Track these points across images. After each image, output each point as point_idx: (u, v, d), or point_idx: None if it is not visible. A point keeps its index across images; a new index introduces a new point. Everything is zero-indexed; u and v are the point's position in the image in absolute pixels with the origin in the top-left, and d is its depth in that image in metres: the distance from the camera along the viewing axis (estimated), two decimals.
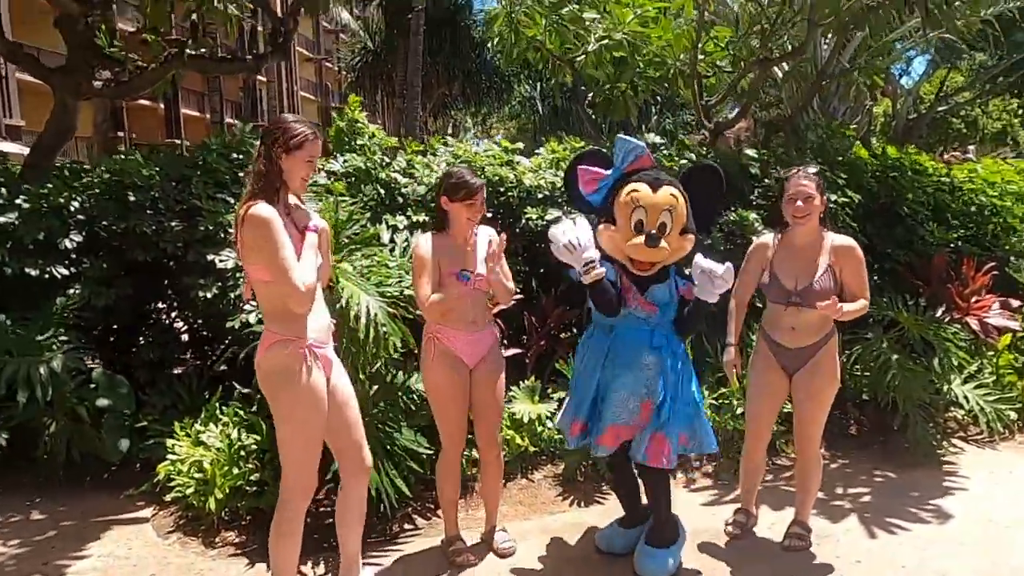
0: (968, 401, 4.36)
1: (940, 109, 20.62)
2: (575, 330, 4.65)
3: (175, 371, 4.59)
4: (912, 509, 3.58)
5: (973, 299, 4.75)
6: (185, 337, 4.71)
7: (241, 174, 4.46)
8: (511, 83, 23.02)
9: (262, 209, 2.39)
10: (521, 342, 4.50)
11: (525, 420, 3.99)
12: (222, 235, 4.09)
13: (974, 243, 5.43)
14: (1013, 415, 4.46)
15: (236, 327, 3.81)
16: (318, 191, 4.08)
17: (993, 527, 3.42)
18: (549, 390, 4.22)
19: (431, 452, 3.52)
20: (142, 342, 4.43)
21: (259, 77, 28.31)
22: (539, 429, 4.01)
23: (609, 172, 2.99)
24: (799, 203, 2.94)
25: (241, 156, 4.58)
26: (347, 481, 2.79)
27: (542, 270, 4.73)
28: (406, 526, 3.53)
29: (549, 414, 4.04)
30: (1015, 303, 4.86)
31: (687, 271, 2.98)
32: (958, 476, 3.98)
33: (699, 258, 2.82)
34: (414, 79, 14.46)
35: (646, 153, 2.94)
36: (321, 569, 3.18)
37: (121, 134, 23.58)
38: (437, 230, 3.06)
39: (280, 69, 35.56)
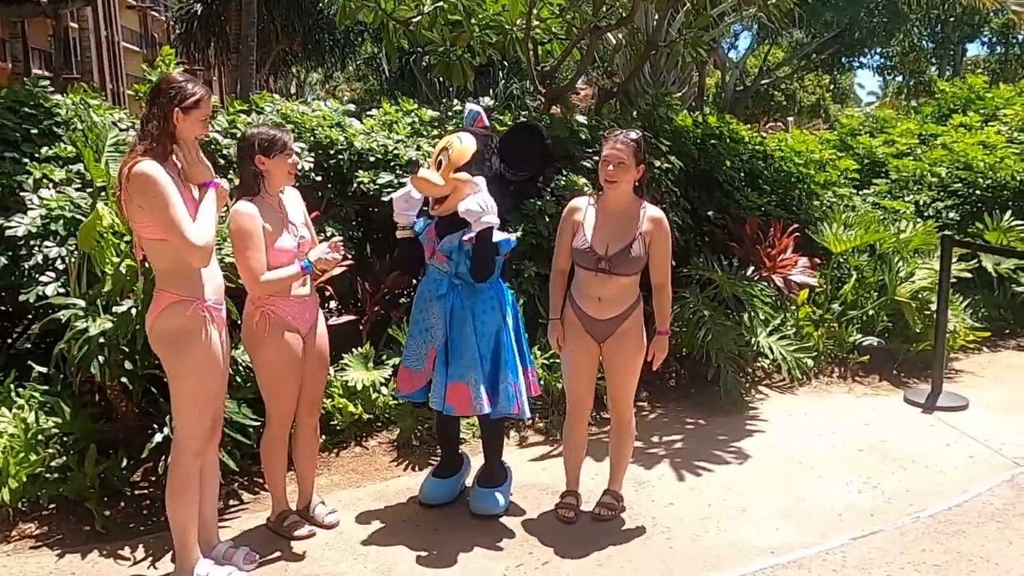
0: (772, 351, 4.77)
1: (763, 82, 22.25)
2: (410, 296, 4.63)
3: None
4: (719, 452, 3.90)
5: (779, 259, 5.17)
6: None
7: (34, 131, 4.03)
8: (354, 42, 22.26)
9: (146, 166, 2.41)
10: (355, 308, 4.42)
11: (359, 387, 3.94)
12: (12, 199, 3.69)
13: (782, 208, 5.90)
14: (810, 363, 4.93)
15: (31, 300, 3.47)
16: (124, 149, 3.75)
17: (789, 465, 3.79)
18: (384, 357, 4.18)
19: (257, 424, 3.40)
20: None
21: (71, 24, 25.56)
22: (373, 396, 3.98)
23: None
24: (610, 167, 2.97)
25: (34, 112, 4.12)
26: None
27: (376, 235, 4.65)
28: (231, 502, 3.40)
29: (383, 380, 4.01)
30: (815, 261, 5.36)
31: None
32: (760, 421, 4.37)
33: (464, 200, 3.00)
34: (248, 33, 13.64)
35: (481, 115, 3.26)
36: (140, 553, 3.00)
37: None
38: (250, 195, 2.90)
39: (98, 16, 32.35)
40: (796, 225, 5.38)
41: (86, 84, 4.68)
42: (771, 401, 4.71)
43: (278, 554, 2.97)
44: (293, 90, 34.29)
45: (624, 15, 5.85)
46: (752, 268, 5.04)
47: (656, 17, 7.01)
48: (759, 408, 4.56)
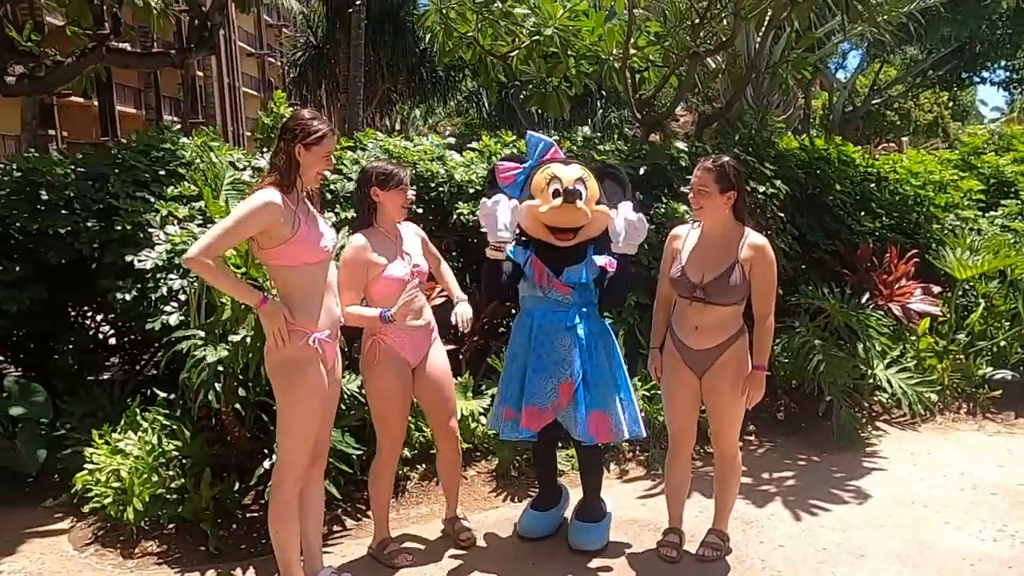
0: (891, 385, 4.48)
1: (874, 102, 21.32)
2: (510, 326, 4.64)
3: (103, 377, 4.45)
4: (834, 491, 3.67)
5: (896, 286, 4.89)
6: (115, 342, 4.56)
7: (162, 172, 4.34)
8: (455, 79, 22.92)
9: (268, 193, 2.51)
10: (455, 338, 4.47)
11: (458, 417, 3.96)
12: (141, 235, 3.96)
13: (898, 231, 5.59)
14: (934, 397, 4.61)
15: (156, 329, 3.70)
16: (240, 188, 3.97)
17: (911, 508, 3.52)
18: (483, 387, 4.20)
19: (360, 452, 3.48)
20: (61, 348, 4.26)
21: (198, 73, 27.57)
22: (472, 426, 3.99)
23: (525, 165, 3.16)
24: (691, 196, 2.95)
25: (161, 154, 4.44)
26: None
27: (475, 266, 4.70)
28: (335, 528, 3.47)
29: (482, 410, 4.02)
30: (936, 289, 5.03)
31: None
32: (879, 458, 4.10)
33: (624, 207, 2.96)
34: (356, 74, 14.27)
35: (555, 147, 3.18)
36: (251, 574, 3.10)
37: (52, 132, 22.80)
38: (365, 226, 3.01)
39: (221, 64, 34.78)
40: (915, 251, 5.08)
41: (209, 128, 4.99)
42: (890, 438, 4.42)
43: None
44: (397, 126, 35.58)
45: (724, 39, 5.74)
46: (866, 296, 4.77)
47: (758, 40, 6.85)
48: (877, 445, 4.29)
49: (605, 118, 21.09)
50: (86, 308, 4.37)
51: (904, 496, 3.63)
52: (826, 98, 21.67)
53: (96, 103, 25.33)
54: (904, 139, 24.21)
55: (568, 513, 3.37)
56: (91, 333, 4.46)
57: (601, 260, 3.09)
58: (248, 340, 3.13)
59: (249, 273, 3.15)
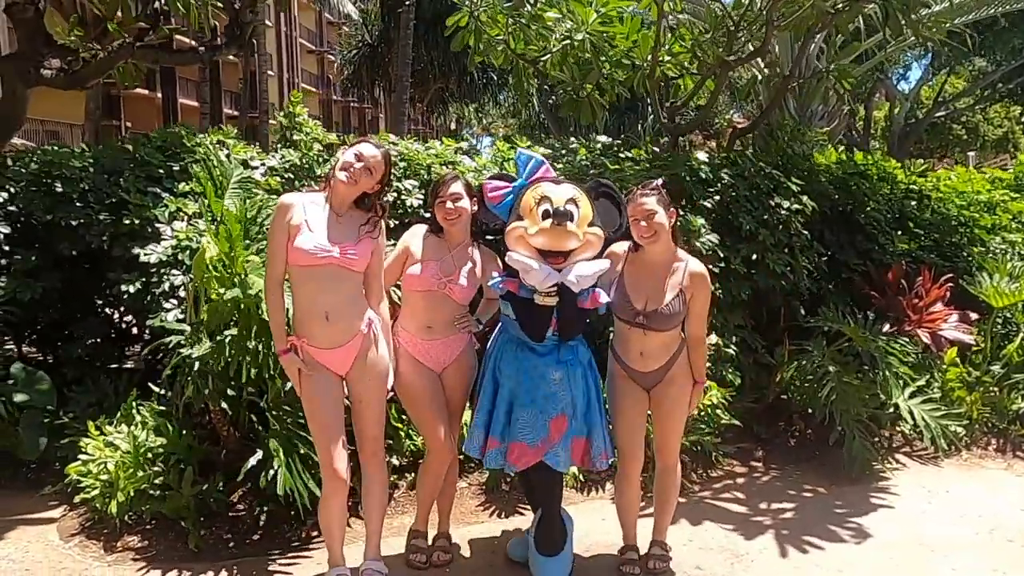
0: (913, 416, 4.25)
1: (939, 114, 20.51)
2: None
3: (124, 366, 4.53)
4: (834, 528, 3.47)
5: (927, 311, 4.63)
6: (135, 332, 4.64)
7: (175, 168, 4.38)
8: (507, 79, 22.87)
9: (283, 197, 2.85)
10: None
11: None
12: (149, 229, 4.01)
13: (935, 253, 5.31)
14: (960, 431, 4.35)
15: (157, 324, 3.73)
16: (248, 187, 3.98)
17: (917, 550, 3.31)
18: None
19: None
20: (72, 338, 4.35)
21: (258, 68, 28.15)
22: (466, 436, 3.91)
23: (514, 184, 3.03)
24: (642, 223, 2.83)
25: (178, 151, 4.49)
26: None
27: None
28: (316, 532, 3.41)
29: None
30: (974, 316, 4.75)
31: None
32: (891, 494, 3.87)
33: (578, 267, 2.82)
34: (403, 73, 14.37)
35: (546, 164, 3.04)
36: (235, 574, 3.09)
37: (116, 122, 23.64)
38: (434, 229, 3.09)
39: (282, 60, 35.54)
40: (950, 274, 4.81)
41: (228, 127, 5.04)
42: (908, 472, 4.18)
43: None
44: (453, 127, 35.76)
45: (756, 48, 5.55)
46: (892, 320, 4.53)
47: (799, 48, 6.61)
48: (892, 480, 4.06)
49: (655, 124, 20.79)
50: (97, 299, 4.44)
51: (911, 536, 3.41)
52: (888, 109, 20.94)
53: (160, 95, 26.16)
54: (971, 154, 23.24)
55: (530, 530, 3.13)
56: (105, 323, 4.54)
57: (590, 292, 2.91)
58: (231, 339, 3.12)
59: (234, 269, 3.13)
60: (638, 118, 20.50)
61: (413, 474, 3.82)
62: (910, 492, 3.90)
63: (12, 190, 4.20)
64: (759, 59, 7.11)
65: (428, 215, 3.34)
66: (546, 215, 2.83)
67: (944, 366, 4.63)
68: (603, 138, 5.29)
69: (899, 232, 5.33)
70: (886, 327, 4.45)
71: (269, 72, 29.45)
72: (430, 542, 3.22)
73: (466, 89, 23.32)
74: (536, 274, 2.77)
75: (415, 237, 3.06)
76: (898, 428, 4.55)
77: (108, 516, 3.32)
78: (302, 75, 37.55)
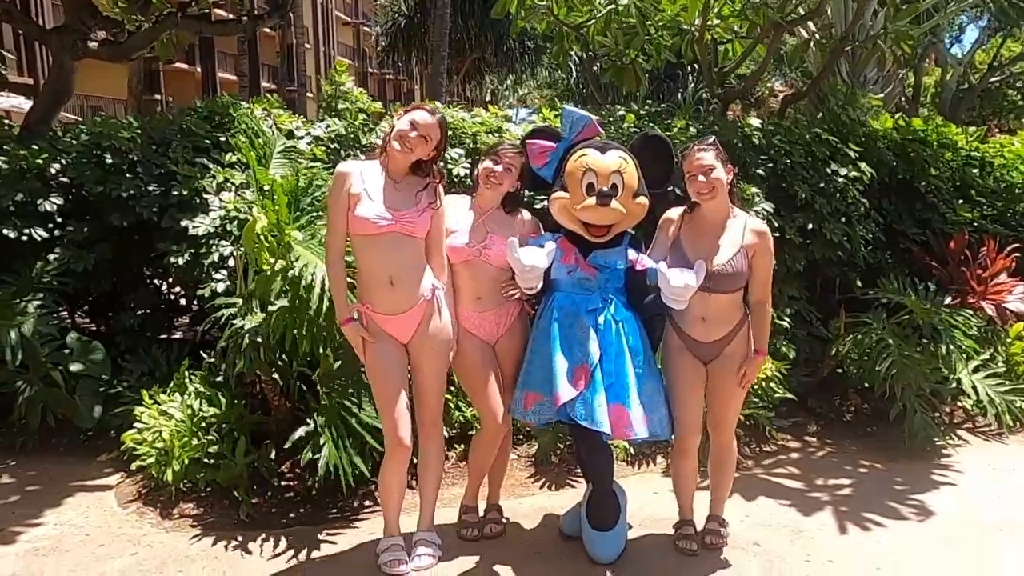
0: (976, 391, 4.10)
1: (993, 80, 19.69)
2: None
3: (173, 336, 4.58)
4: (895, 504, 3.37)
5: (991, 282, 4.45)
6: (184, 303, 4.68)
7: (222, 139, 4.37)
8: (543, 49, 22.53)
9: (341, 165, 2.86)
10: None
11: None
12: (197, 200, 4.01)
13: (1000, 223, 5.10)
14: None
15: (206, 295, 3.75)
16: (292, 156, 3.95)
17: (983, 529, 3.20)
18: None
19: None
20: (124, 307, 4.40)
21: (294, 40, 28.19)
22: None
23: (558, 144, 2.94)
24: (700, 178, 2.73)
25: (225, 121, 4.48)
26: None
27: None
28: (366, 503, 3.44)
29: None
30: None
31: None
32: (954, 471, 3.75)
33: (664, 268, 2.72)
34: (439, 44, 14.22)
35: (593, 123, 2.93)
36: (270, 546, 3.10)
37: (158, 97, 23.89)
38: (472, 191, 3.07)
39: (318, 33, 35.50)
40: (1017, 244, 4.61)
41: (273, 96, 5.01)
42: (970, 449, 4.05)
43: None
44: (488, 98, 35.45)
45: (810, 9, 5.33)
46: (955, 293, 4.37)
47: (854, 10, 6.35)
48: (954, 456, 3.93)
49: (696, 92, 20.33)
50: (147, 270, 4.48)
51: (975, 516, 3.30)
52: (940, 74, 20.18)
53: (199, 69, 26.35)
54: None
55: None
56: (155, 294, 4.58)
57: (633, 255, 2.88)
58: (280, 311, 3.10)
59: (283, 240, 3.11)
60: (677, 86, 20.05)
61: (462, 445, 3.81)
62: (973, 469, 3.77)
63: (64, 162, 4.22)
64: (811, 22, 6.87)
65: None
66: (590, 189, 2.78)
67: (1009, 339, 4.46)
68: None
69: (960, 200, 5.12)
70: (948, 299, 4.28)
71: (306, 44, 29.60)
72: (481, 514, 3.20)
73: (502, 59, 23.03)
74: (520, 268, 2.74)
75: (448, 207, 2.96)
76: (959, 403, 4.40)
77: (164, 483, 3.36)
78: (338, 47, 37.51)
